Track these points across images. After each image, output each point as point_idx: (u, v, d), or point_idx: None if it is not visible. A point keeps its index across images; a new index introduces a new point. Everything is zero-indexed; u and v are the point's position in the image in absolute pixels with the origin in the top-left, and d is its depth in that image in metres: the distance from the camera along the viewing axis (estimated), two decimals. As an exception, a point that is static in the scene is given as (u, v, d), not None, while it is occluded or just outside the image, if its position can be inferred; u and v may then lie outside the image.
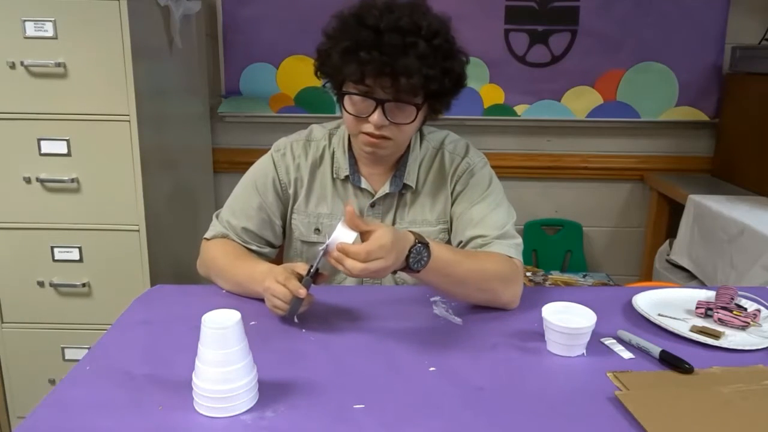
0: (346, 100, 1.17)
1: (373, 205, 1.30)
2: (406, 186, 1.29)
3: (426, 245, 1.02)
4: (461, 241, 1.24)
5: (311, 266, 1.04)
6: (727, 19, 2.37)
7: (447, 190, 1.30)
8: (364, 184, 1.29)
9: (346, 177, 1.29)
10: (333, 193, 1.31)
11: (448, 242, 1.30)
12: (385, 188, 1.28)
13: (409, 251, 1.00)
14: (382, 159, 1.27)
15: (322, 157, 1.31)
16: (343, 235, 0.98)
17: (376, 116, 1.13)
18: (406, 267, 1.02)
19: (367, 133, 1.17)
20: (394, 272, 1.06)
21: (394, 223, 1.30)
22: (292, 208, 1.33)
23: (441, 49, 1.11)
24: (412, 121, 1.16)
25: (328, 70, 1.18)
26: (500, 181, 1.31)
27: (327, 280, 1.07)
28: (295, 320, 1.07)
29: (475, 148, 1.34)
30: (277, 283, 1.04)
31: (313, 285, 1.05)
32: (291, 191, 1.31)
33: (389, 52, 1.07)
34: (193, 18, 2.16)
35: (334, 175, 1.30)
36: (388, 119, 1.14)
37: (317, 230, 1.31)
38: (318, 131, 1.34)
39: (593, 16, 2.36)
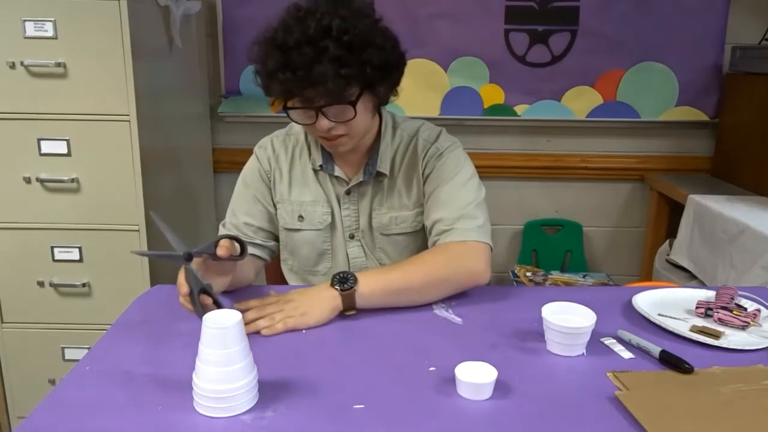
0: (291, 114, 1.20)
1: (348, 192, 1.33)
2: (380, 173, 1.31)
3: (351, 274, 1.12)
4: (428, 227, 1.28)
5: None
6: (727, 19, 2.36)
7: (419, 173, 1.32)
8: (337, 172, 1.32)
9: (321, 167, 1.32)
10: (314, 181, 1.34)
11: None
12: (359, 176, 1.31)
13: (332, 280, 1.11)
14: (351, 151, 1.29)
15: (301, 148, 1.36)
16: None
17: (321, 122, 1.16)
18: (340, 290, 1.10)
19: (322, 136, 1.21)
20: (343, 311, 1.12)
21: (371, 210, 1.33)
22: (275, 198, 1.36)
23: (354, 44, 1.10)
24: (356, 116, 1.17)
25: (265, 90, 1.21)
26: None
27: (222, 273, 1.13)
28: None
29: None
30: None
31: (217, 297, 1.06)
32: (272, 180, 1.36)
33: (301, 67, 1.08)
34: (193, 18, 2.16)
35: (312, 166, 1.34)
36: (332, 121, 1.16)
37: (300, 217, 1.34)
38: (297, 126, 1.37)
39: (593, 16, 2.36)
